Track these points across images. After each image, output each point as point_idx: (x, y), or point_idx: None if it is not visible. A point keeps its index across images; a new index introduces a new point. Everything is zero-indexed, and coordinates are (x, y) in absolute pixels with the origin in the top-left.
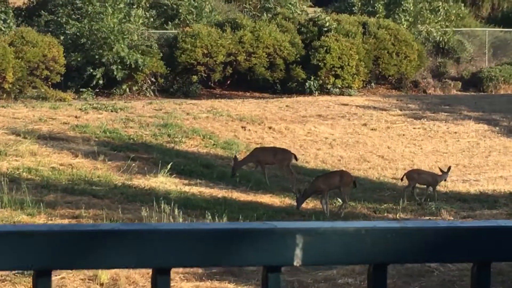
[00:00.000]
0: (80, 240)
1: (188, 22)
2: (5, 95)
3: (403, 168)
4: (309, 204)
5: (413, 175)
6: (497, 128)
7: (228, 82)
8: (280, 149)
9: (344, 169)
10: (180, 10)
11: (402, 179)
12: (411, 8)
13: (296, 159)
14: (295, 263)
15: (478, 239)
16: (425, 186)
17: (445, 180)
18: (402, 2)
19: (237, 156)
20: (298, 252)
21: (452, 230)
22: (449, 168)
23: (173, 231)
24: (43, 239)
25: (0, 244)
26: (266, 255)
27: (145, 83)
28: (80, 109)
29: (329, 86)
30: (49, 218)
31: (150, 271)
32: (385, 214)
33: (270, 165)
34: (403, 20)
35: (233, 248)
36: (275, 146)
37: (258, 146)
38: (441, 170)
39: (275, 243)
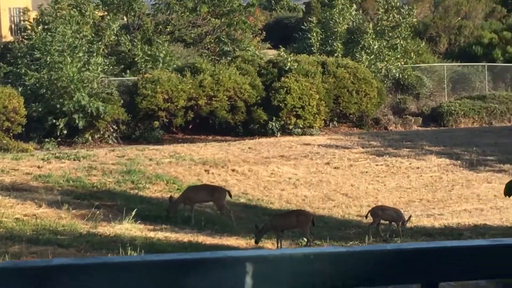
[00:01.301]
0: (33, 276)
1: (145, 70)
2: None
3: (367, 205)
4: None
5: (378, 211)
6: (459, 161)
7: (190, 127)
8: (214, 187)
9: (307, 208)
10: (136, 59)
11: (366, 216)
12: (375, 47)
13: (230, 196)
14: None
15: (425, 260)
16: (389, 222)
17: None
18: (361, 40)
19: (173, 197)
20: (249, 280)
21: (399, 252)
22: (410, 216)
23: (124, 264)
24: None
25: None
26: (218, 284)
27: (107, 131)
28: (42, 159)
29: (290, 127)
30: None
31: None
32: None
33: (205, 203)
34: (363, 58)
35: (185, 278)
36: (207, 183)
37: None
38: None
39: (225, 272)
